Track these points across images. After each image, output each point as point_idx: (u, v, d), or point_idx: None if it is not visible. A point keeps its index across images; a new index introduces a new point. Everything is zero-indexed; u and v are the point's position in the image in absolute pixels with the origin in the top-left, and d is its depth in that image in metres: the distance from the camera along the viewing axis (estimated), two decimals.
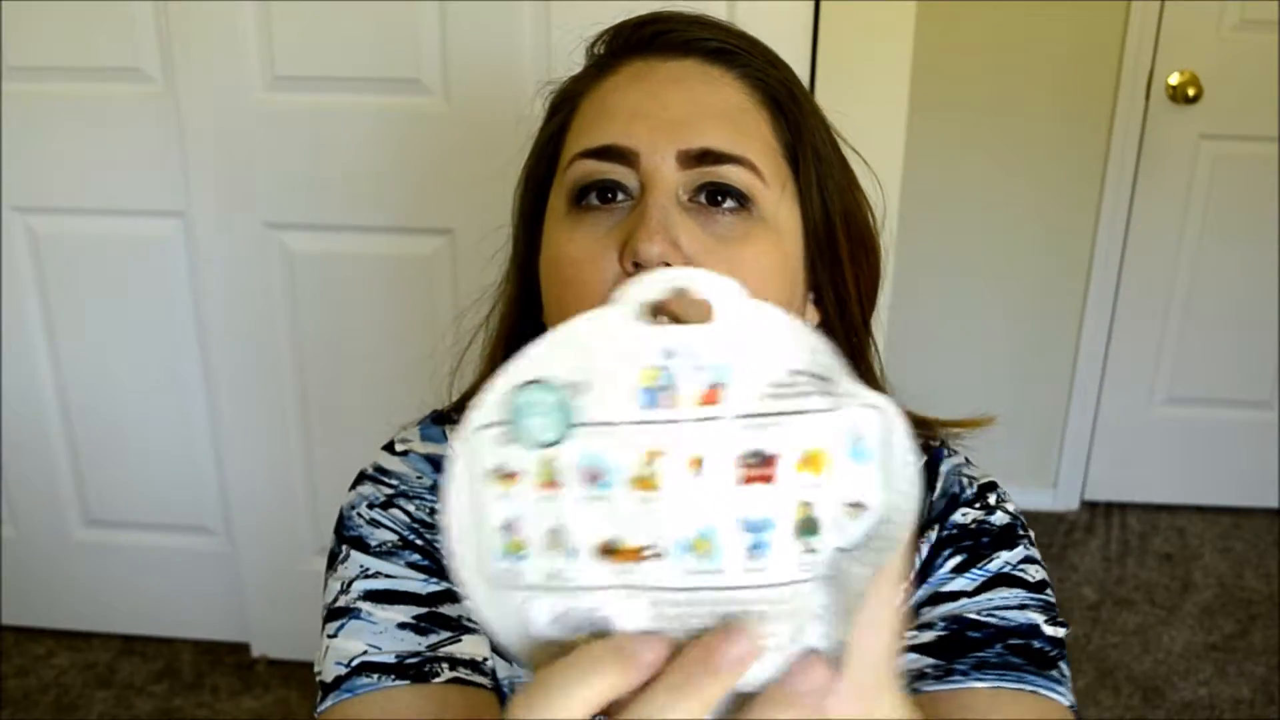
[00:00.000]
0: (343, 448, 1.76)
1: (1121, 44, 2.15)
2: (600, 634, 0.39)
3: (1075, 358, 2.38)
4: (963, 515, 0.69)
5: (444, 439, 0.74)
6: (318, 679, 0.66)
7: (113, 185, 1.67)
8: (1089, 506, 2.50)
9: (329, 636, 0.66)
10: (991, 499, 0.70)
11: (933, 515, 0.70)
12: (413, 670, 0.63)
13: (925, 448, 0.72)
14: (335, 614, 0.67)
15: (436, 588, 0.67)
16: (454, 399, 0.79)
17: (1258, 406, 2.42)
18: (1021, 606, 0.65)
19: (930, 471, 0.72)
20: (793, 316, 0.38)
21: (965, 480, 0.71)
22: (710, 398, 0.37)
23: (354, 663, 0.64)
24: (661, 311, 0.39)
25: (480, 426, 0.39)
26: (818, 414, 0.37)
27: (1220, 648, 2.05)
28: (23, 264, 1.74)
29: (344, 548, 0.69)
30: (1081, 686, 1.94)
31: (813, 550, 0.38)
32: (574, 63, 0.71)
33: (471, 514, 0.39)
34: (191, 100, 1.57)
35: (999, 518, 0.69)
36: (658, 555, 0.38)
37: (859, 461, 0.38)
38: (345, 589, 0.67)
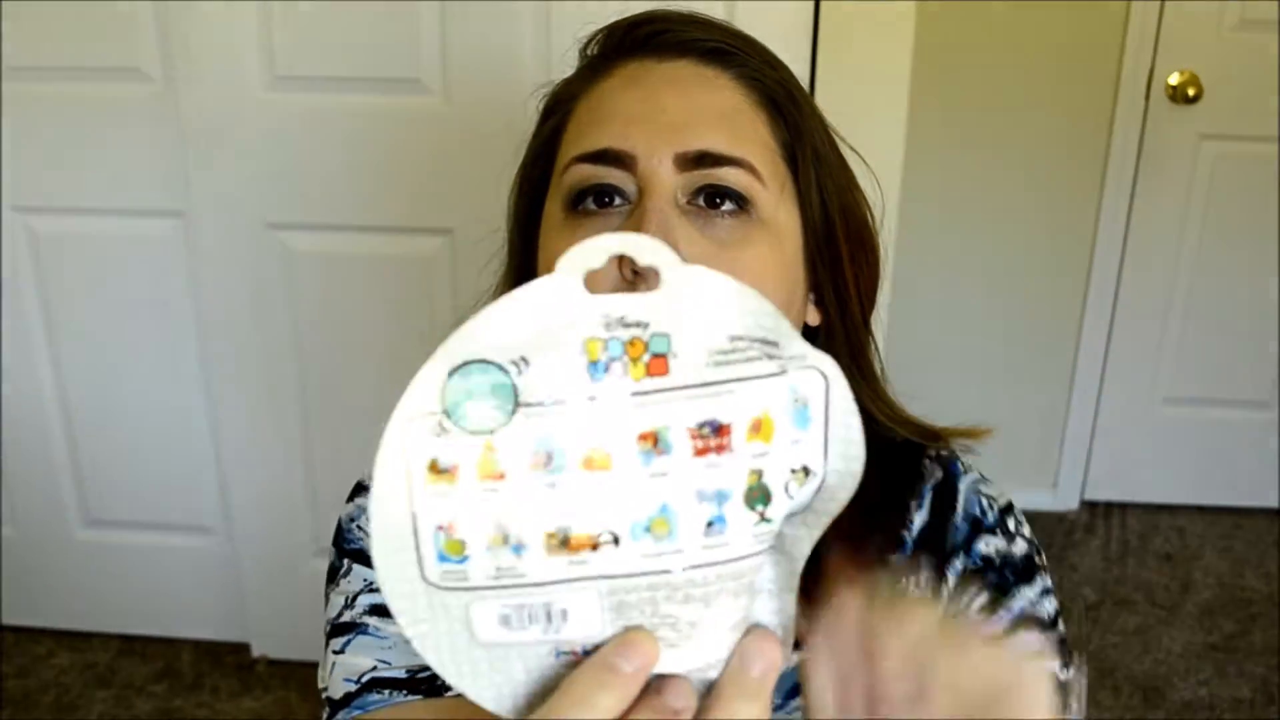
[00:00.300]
0: (343, 448, 1.76)
1: (1121, 44, 2.15)
2: (555, 630, 0.37)
3: (1075, 358, 2.38)
4: (986, 545, 0.69)
5: None
6: (324, 695, 0.66)
7: (113, 185, 1.67)
8: (1089, 506, 2.50)
9: (335, 652, 0.66)
10: (1011, 524, 0.70)
11: (956, 541, 0.69)
12: (424, 684, 0.63)
13: (939, 459, 0.72)
14: (340, 629, 0.66)
15: None
16: None
17: (1258, 406, 2.41)
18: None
19: (948, 488, 0.71)
20: (735, 280, 0.36)
21: (986, 502, 0.71)
22: (658, 367, 0.36)
23: (364, 679, 0.64)
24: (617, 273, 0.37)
25: (411, 419, 0.35)
26: (764, 379, 0.36)
27: (1220, 648, 2.05)
28: (23, 264, 1.74)
29: (345, 561, 0.69)
30: None
31: (766, 520, 0.37)
32: (569, 64, 0.70)
33: (403, 519, 0.36)
34: (191, 100, 1.57)
35: (1019, 546, 0.69)
36: (614, 541, 0.36)
37: (803, 427, 0.37)
38: (350, 603, 0.67)
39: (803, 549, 0.38)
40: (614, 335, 0.35)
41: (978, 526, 0.69)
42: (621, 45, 0.66)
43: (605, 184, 0.61)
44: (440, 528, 0.36)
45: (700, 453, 0.36)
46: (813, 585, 0.63)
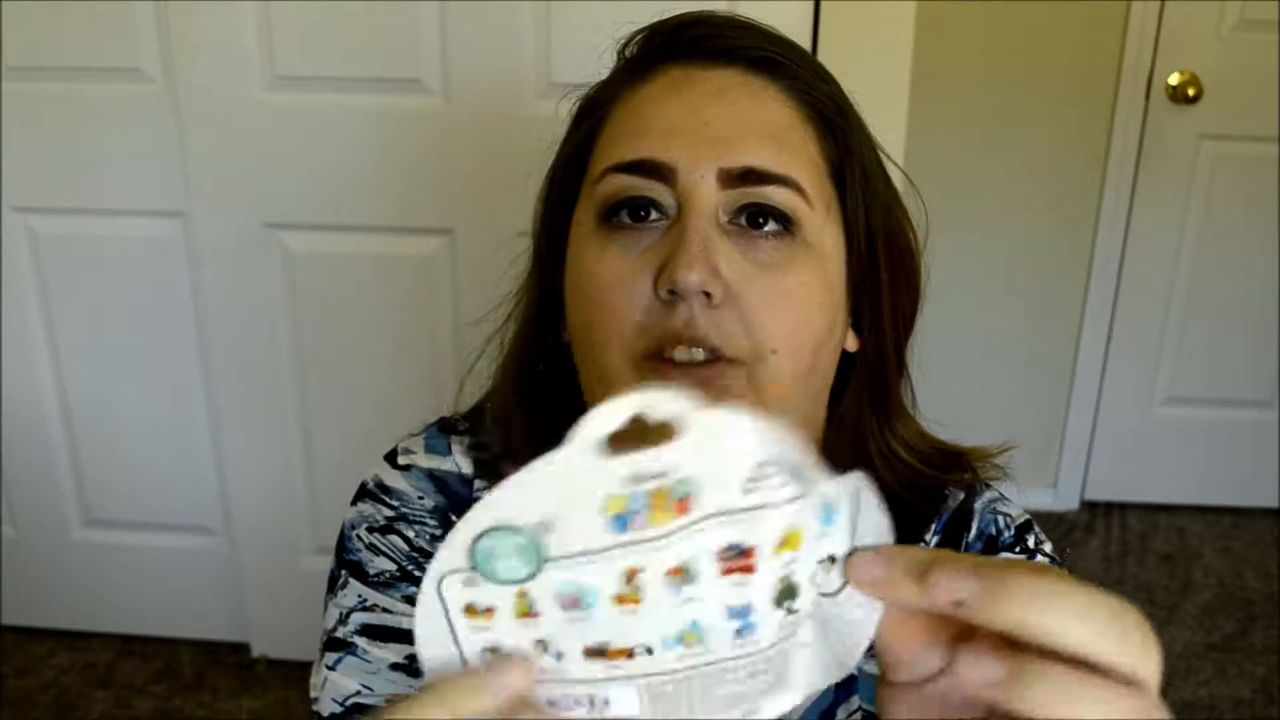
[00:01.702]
0: (343, 448, 1.76)
1: (1121, 44, 2.15)
2: (599, 711, 0.39)
3: (1075, 358, 2.38)
4: None
5: (448, 452, 0.71)
6: (314, 706, 0.66)
7: (113, 185, 1.67)
8: (1089, 506, 2.50)
9: (328, 667, 0.66)
10: (1030, 541, 0.68)
11: None
12: None
13: (961, 485, 0.69)
14: (334, 644, 0.66)
15: None
16: (464, 409, 0.75)
17: (1258, 406, 2.41)
18: None
19: (963, 511, 0.69)
20: (756, 418, 0.36)
21: (1002, 520, 0.68)
22: (682, 509, 0.36)
23: (348, 703, 0.64)
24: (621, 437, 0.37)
25: (444, 575, 0.38)
26: (791, 503, 0.37)
27: (1220, 648, 2.05)
28: (23, 264, 1.74)
29: (343, 573, 0.68)
30: None
31: (794, 610, 0.38)
32: (600, 65, 0.66)
33: (449, 656, 0.38)
34: (191, 100, 1.57)
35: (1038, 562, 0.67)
36: (648, 651, 0.38)
37: (829, 524, 0.38)
38: (344, 619, 0.67)
39: (843, 618, 0.39)
40: (636, 489, 0.36)
41: (992, 545, 0.67)
42: (664, 48, 0.62)
43: (643, 196, 0.58)
44: (485, 649, 0.38)
45: (727, 572, 0.37)
46: None
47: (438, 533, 0.67)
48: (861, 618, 0.38)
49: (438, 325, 1.67)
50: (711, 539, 0.36)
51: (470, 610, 0.38)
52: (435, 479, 0.70)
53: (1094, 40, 2.15)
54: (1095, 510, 2.49)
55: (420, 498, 0.69)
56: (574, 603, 0.37)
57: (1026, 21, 2.14)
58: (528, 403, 0.67)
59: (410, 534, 0.68)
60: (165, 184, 1.65)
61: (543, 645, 0.38)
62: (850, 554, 0.38)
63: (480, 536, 0.37)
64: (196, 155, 1.60)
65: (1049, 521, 2.43)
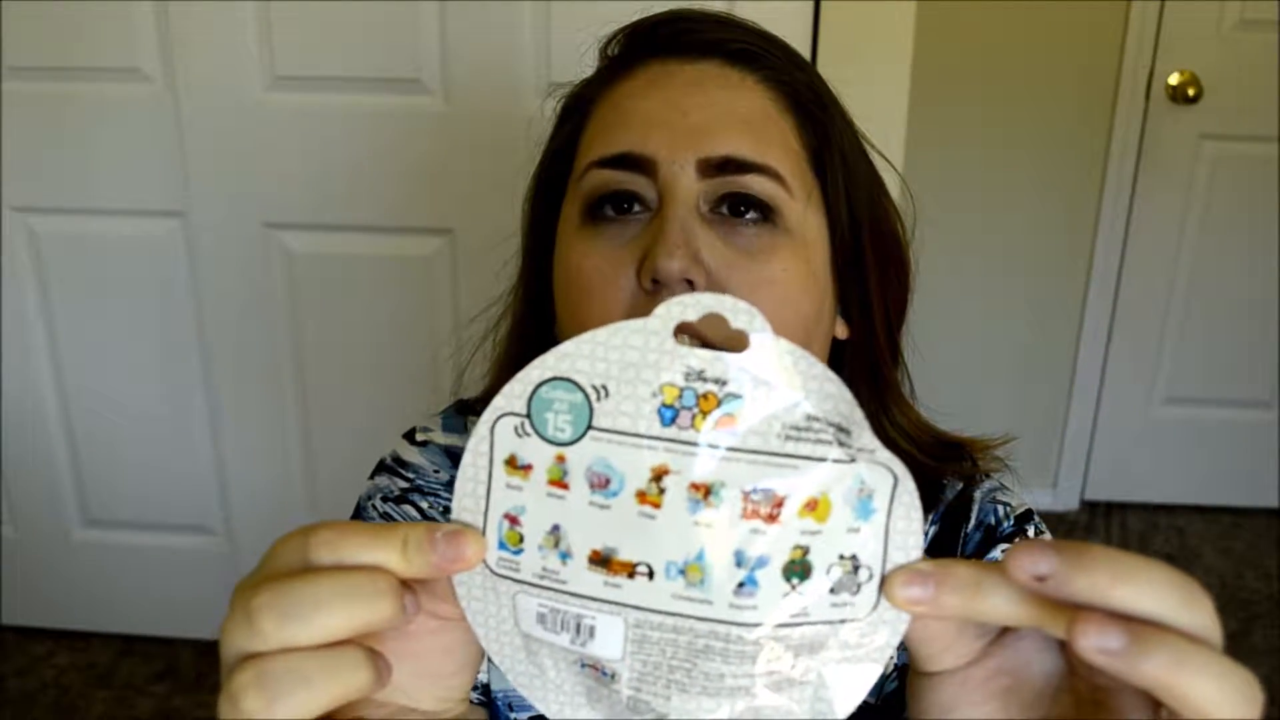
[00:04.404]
0: (343, 448, 1.76)
1: (1121, 44, 2.15)
2: (581, 643, 0.39)
3: (1075, 358, 2.38)
4: (1002, 552, 0.65)
5: (465, 430, 0.73)
6: None
7: (113, 185, 1.67)
8: (1089, 506, 2.50)
9: None
10: (1030, 531, 0.68)
11: (968, 551, 0.67)
12: None
13: (960, 475, 0.69)
14: None
15: None
16: (470, 397, 0.77)
17: (1258, 406, 2.42)
18: None
19: (963, 500, 0.69)
20: (818, 359, 0.37)
21: (1001, 509, 0.68)
22: (725, 424, 0.37)
23: None
24: (687, 330, 0.38)
25: (502, 414, 0.39)
26: (832, 463, 0.37)
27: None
28: (23, 264, 1.74)
29: None
30: None
31: (799, 594, 0.37)
32: (586, 64, 0.68)
33: (478, 497, 0.39)
34: (191, 100, 1.57)
35: None
36: (649, 574, 0.37)
37: (863, 518, 0.37)
38: None
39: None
40: (691, 385, 0.37)
41: (991, 535, 0.67)
42: (644, 45, 0.63)
43: (624, 190, 0.59)
44: (506, 516, 0.39)
45: (747, 516, 0.37)
46: None
47: (451, 505, 0.68)
48: (887, 639, 0.38)
49: (437, 325, 1.67)
50: (742, 475, 0.37)
51: (511, 462, 0.39)
52: (451, 454, 0.72)
53: (1094, 40, 2.15)
54: (1095, 510, 2.49)
55: (436, 471, 0.71)
56: (602, 483, 0.38)
57: (1027, 21, 2.14)
58: None
59: (424, 505, 0.70)
60: (165, 184, 1.65)
61: (555, 539, 0.38)
62: (887, 575, 0.37)
63: (542, 384, 0.38)
64: (196, 155, 1.60)
65: (1049, 521, 2.41)
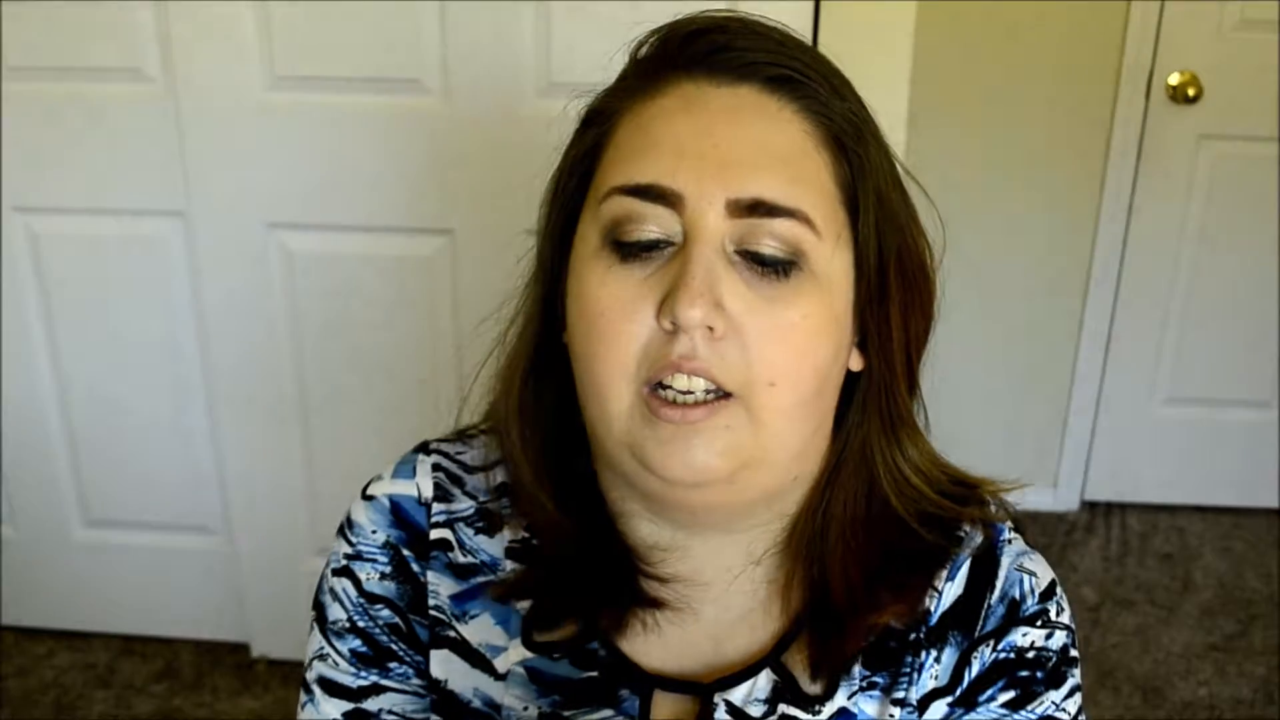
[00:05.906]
0: (343, 448, 1.76)
1: (1121, 44, 2.15)
2: None
3: (1075, 358, 2.38)
4: (1022, 637, 0.64)
5: (412, 475, 0.69)
6: None
7: (113, 185, 1.67)
8: (1089, 506, 2.50)
9: (300, 705, 0.69)
10: (1052, 611, 0.65)
11: (989, 626, 0.64)
12: None
13: (980, 523, 0.66)
14: (304, 683, 0.70)
15: (365, 681, 0.67)
16: (461, 424, 0.74)
17: (1258, 406, 2.41)
18: None
19: (989, 560, 0.66)
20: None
21: (1028, 581, 0.65)
22: None
23: None
24: None
25: None
26: None
27: (1220, 648, 2.05)
28: (23, 264, 1.74)
29: (313, 615, 0.70)
30: None
31: None
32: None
33: None
34: (191, 100, 1.57)
35: (1056, 641, 0.65)
36: None
37: None
38: (309, 664, 0.69)
39: None
40: None
41: (1014, 613, 0.65)
42: (677, 59, 0.60)
43: (649, 235, 0.57)
44: None
45: None
46: (835, 645, 0.62)
47: (386, 570, 0.68)
48: None
49: (437, 325, 1.67)
50: None
51: None
52: (393, 507, 0.69)
53: (1094, 40, 2.15)
54: (1095, 510, 2.49)
55: (373, 531, 0.69)
56: None
57: (1026, 21, 2.14)
58: (526, 410, 0.66)
59: (362, 575, 0.68)
60: (165, 184, 1.65)
61: None
62: None
63: None
64: (196, 155, 1.60)
65: (1049, 521, 2.43)
